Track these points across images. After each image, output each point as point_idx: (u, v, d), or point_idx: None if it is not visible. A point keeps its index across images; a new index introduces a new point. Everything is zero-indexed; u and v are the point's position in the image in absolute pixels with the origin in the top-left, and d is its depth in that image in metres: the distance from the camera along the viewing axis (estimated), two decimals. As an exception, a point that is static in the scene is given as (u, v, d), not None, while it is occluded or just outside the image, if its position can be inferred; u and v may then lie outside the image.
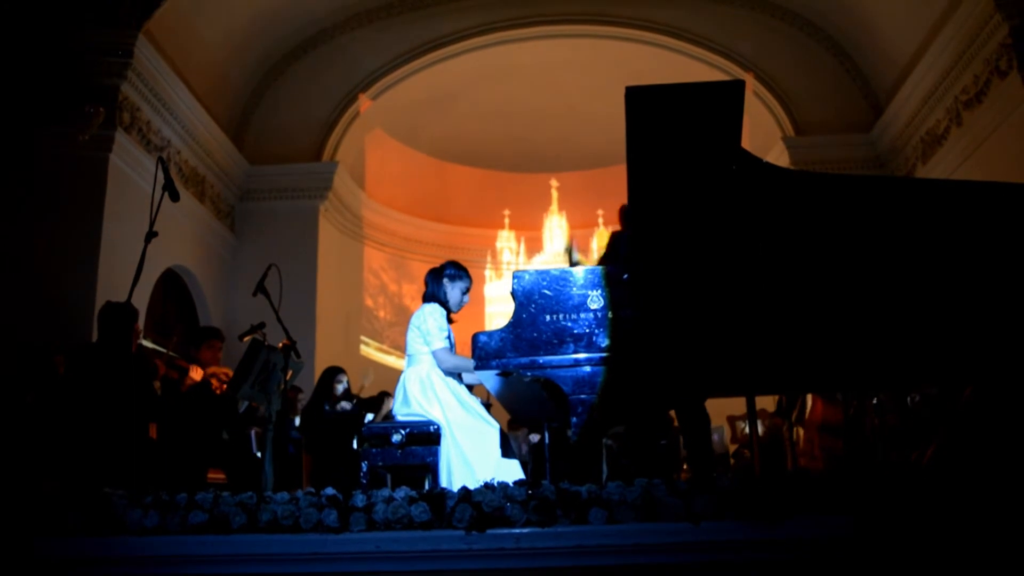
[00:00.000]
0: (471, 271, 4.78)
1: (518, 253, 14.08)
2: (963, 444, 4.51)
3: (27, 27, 7.90)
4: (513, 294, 3.66)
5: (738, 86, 3.66)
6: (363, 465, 4.12)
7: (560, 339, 3.55)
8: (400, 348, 11.12)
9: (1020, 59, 7.90)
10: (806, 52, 11.13)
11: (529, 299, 3.62)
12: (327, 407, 6.37)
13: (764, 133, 11.35)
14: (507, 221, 14.10)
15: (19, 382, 5.04)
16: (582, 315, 3.56)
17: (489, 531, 2.75)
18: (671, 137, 3.72)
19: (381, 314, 13.21)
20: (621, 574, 2.77)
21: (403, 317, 13.18)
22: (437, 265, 4.68)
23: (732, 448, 9.46)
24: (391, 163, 13.20)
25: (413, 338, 4.41)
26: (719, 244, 3.74)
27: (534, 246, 14.13)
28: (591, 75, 12.09)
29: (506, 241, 14.14)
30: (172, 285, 9.90)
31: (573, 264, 5.09)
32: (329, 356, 9.64)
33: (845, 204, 3.85)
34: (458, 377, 4.40)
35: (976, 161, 8.65)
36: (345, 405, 6.26)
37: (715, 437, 9.02)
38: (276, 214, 11.24)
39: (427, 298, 4.55)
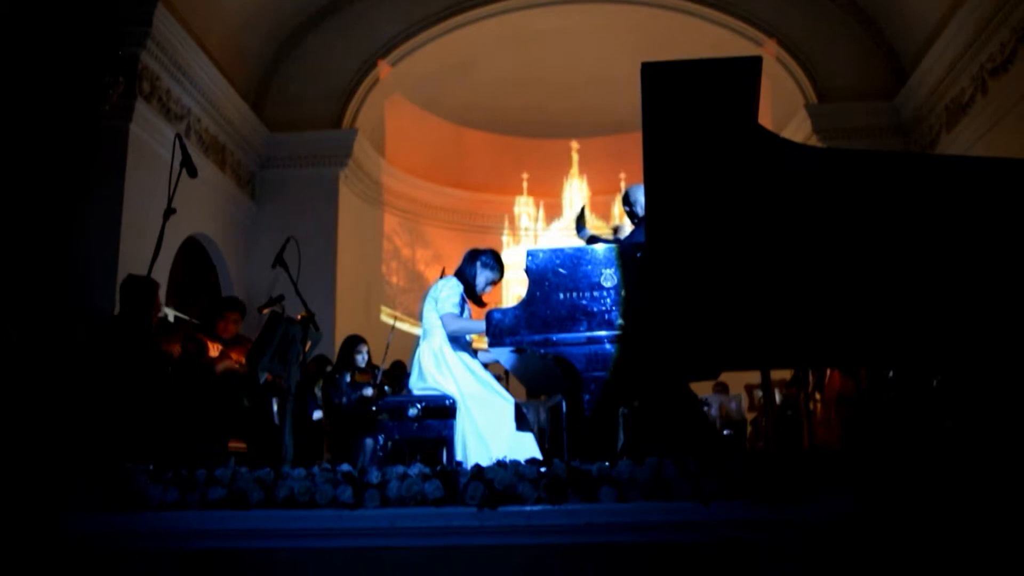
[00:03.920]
0: (488, 237, 4.82)
1: (536, 219, 13.99)
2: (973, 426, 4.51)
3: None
4: (527, 272, 3.69)
5: (755, 62, 3.62)
6: (379, 438, 4.19)
7: (573, 317, 3.58)
8: (413, 315, 11.14)
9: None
10: (829, 17, 10.92)
11: (543, 277, 3.64)
12: (347, 384, 6.42)
13: (787, 100, 11.21)
14: (525, 186, 14.02)
15: (43, 353, 5.11)
16: (595, 293, 3.59)
17: (501, 508, 2.80)
18: (687, 114, 3.68)
19: (394, 279, 13.23)
20: (631, 551, 2.81)
21: (416, 284, 13.20)
22: (478, 247, 4.77)
23: (750, 416, 9.51)
24: (410, 129, 13.17)
25: (428, 312, 4.45)
26: (734, 222, 3.73)
27: (553, 212, 14.06)
28: (611, 40, 11.96)
29: (524, 206, 14.05)
30: (194, 253, 9.97)
31: (581, 234, 5.12)
32: (349, 324, 9.70)
33: (862, 181, 3.82)
34: (473, 352, 4.44)
35: (1001, 130, 8.51)
36: (367, 391, 6.31)
37: (732, 405, 9.08)
38: (296, 181, 11.25)
39: (456, 273, 4.61)
